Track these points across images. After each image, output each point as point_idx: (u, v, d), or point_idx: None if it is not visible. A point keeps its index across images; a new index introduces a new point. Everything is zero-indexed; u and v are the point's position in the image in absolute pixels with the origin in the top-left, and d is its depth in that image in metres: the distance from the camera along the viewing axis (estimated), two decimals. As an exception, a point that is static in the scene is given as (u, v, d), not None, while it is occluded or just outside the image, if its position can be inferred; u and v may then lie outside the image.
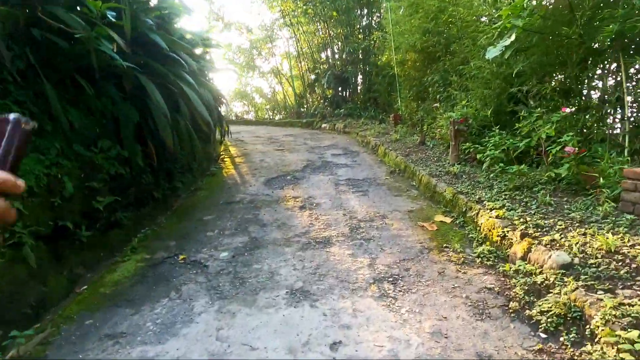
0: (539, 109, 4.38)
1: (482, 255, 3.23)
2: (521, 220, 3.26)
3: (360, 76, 13.95)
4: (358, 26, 13.47)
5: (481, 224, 3.56)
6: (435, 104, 6.75)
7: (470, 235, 3.69)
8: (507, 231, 3.18)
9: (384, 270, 3.14)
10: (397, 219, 4.27)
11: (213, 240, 3.89)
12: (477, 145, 5.06)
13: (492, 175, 4.58)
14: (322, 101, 14.72)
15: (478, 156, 4.84)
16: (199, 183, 5.99)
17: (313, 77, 14.89)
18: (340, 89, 14.13)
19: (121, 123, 4.09)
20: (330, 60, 14.82)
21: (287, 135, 11.50)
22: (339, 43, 14.05)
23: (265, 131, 12.76)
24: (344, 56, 13.70)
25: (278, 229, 4.13)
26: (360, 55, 13.31)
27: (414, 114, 8.51)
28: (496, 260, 3.16)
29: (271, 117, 18.91)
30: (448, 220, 4.13)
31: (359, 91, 14.02)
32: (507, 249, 3.15)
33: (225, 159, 7.96)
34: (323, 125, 12.76)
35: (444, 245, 3.58)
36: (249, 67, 18.78)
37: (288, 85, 18.02)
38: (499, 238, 3.24)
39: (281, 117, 17.43)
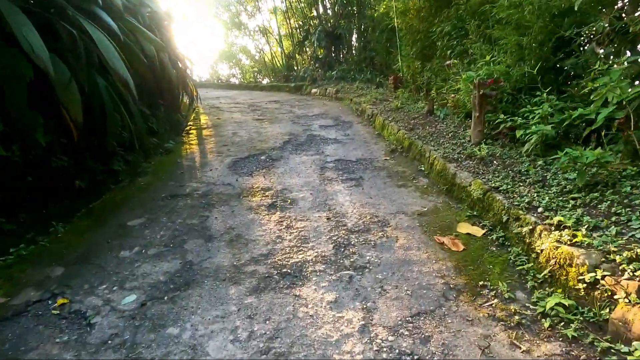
0: (611, 59, 2.92)
1: (552, 315, 1.89)
2: (624, 254, 1.88)
3: (355, 33, 12.16)
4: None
5: (542, 250, 2.19)
6: (448, 62, 5.21)
7: (520, 263, 2.33)
8: (603, 276, 1.81)
9: (386, 346, 1.80)
10: (403, 229, 2.91)
11: (124, 266, 2.52)
12: (512, 117, 3.62)
13: (540, 162, 3.16)
14: (312, 63, 12.98)
15: (517, 133, 3.39)
16: (144, 164, 4.54)
17: (303, 34, 13.04)
18: (332, 48, 12.37)
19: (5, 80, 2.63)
20: (321, 15, 12.94)
21: (271, 102, 9.92)
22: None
23: (249, 97, 11.14)
24: (336, 9, 11.85)
25: (229, 246, 2.76)
26: (354, 8, 11.49)
27: (417, 75, 6.95)
28: (584, 328, 1.81)
29: (259, 80, 17.12)
30: (478, 232, 2.76)
31: (353, 51, 12.28)
32: (603, 308, 1.79)
33: (191, 131, 6.46)
34: (313, 90, 11.14)
35: (480, 282, 2.22)
36: (234, 24, 16.77)
37: (277, 46, 16.14)
38: (586, 285, 1.88)
39: (269, 81, 15.68)
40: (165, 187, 3.90)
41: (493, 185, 2.96)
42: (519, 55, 3.91)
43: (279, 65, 15.52)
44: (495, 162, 3.41)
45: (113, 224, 3.12)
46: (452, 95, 5.10)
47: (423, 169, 4.16)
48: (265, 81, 16.78)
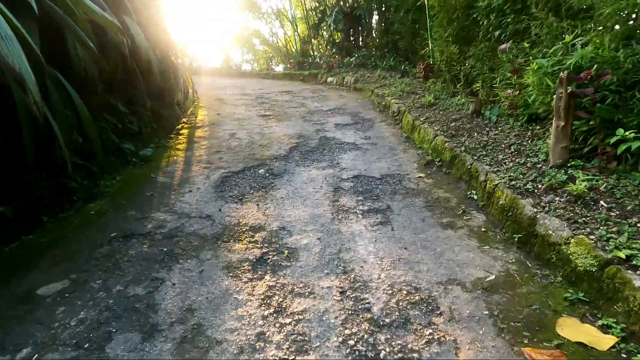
0: None
1: None
2: None
3: (375, 14, 10.76)
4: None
5: None
6: (503, 46, 3.91)
7: None
8: None
9: None
10: (463, 321, 1.75)
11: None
12: (618, 127, 2.37)
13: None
14: (329, 48, 11.67)
15: (620, 148, 2.15)
16: (106, 181, 3.46)
17: (319, 17, 11.72)
18: (351, 31, 11.02)
19: None
20: (339, -5, 11.56)
21: (282, 93, 8.74)
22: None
23: (258, 86, 9.97)
24: (355, -12, 10.46)
25: (177, 351, 1.67)
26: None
27: (454, 63, 5.64)
28: None
29: (271, 67, 15.89)
30: (601, 341, 1.59)
31: (374, 34, 10.90)
32: None
33: (182, 130, 5.37)
34: (329, 79, 9.89)
35: None
36: (247, 5, 15.49)
37: (291, 29, 14.84)
38: None
39: (282, 68, 14.45)
40: (120, 221, 2.82)
41: (617, 253, 1.76)
42: (628, 32, 2.63)
43: (293, 50, 14.24)
44: (602, 202, 2.18)
45: (15, 291, 2.06)
46: (509, 91, 3.82)
47: (475, 196, 2.97)
48: (279, 68, 15.55)
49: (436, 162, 3.72)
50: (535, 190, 2.48)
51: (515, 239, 2.33)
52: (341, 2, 11.01)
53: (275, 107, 7.03)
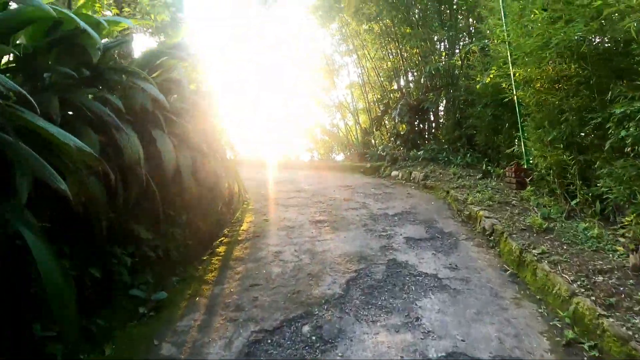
0: None
1: None
2: None
3: (442, 106, 9.95)
4: (438, 41, 9.60)
5: None
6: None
7: None
8: None
9: None
10: None
11: None
12: None
13: None
14: (392, 140, 10.91)
15: None
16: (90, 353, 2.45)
17: (382, 108, 11.19)
18: (417, 122, 10.23)
19: None
20: (403, 87, 11.07)
21: (341, 188, 7.82)
22: (415, 65, 10.29)
23: (316, 180, 9.22)
24: (422, 80, 9.86)
25: None
26: (444, 79, 9.38)
27: (567, 174, 4.32)
28: None
29: (332, 157, 15.48)
30: None
31: (442, 126, 9.98)
32: None
33: (219, 248, 4.42)
34: (393, 173, 8.89)
35: None
36: (315, 101, 15.77)
37: (353, 120, 14.57)
38: None
39: (343, 157, 13.90)
40: None
41: None
42: None
43: (354, 140, 13.74)
44: None
45: None
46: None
47: None
48: (339, 157, 15.08)
49: (585, 348, 2.27)
50: None
51: None
52: (406, 96, 10.44)
53: (332, 208, 6.03)
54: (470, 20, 8.41)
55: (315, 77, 14.90)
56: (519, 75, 5.03)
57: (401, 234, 4.61)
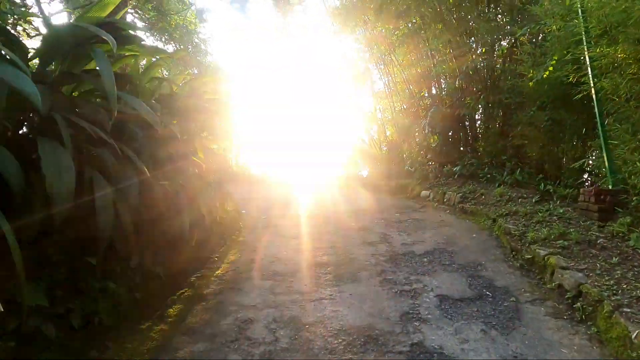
0: None
1: None
2: None
3: (483, 114, 8.32)
4: (476, 35, 8.02)
5: None
6: None
7: None
8: None
9: None
10: None
11: None
12: None
13: None
14: (422, 153, 9.35)
15: None
16: None
17: (411, 117, 9.69)
18: (451, 133, 8.64)
19: None
20: (435, 92, 9.54)
21: (360, 213, 6.38)
22: (448, 68, 8.75)
23: (332, 201, 7.84)
24: (456, 84, 8.31)
25: None
26: (483, 81, 7.80)
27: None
28: None
29: (359, 173, 14.01)
30: None
31: (482, 137, 8.34)
32: None
33: (173, 309, 3.11)
34: (423, 193, 7.35)
35: None
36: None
37: (380, 132, 13.14)
38: None
39: (368, 172, 12.43)
40: None
41: None
42: None
43: (379, 154, 12.26)
44: None
45: None
46: None
47: None
48: (364, 172, 13.61)
49: None
50: None
51: None
52: (438, 102, 8.90)
53: (342, 242, 4.61)
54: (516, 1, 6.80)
55: (339, 86, 13.67)
56: (602, 58, 3.47)
57: (432, 289, 3.13)
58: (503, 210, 4.96)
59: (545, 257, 3.09)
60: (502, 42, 7.30)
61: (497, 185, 6.21)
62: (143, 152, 2.87)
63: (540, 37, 6.15)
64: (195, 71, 12.22)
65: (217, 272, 3.69)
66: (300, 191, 9.33)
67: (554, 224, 3.84)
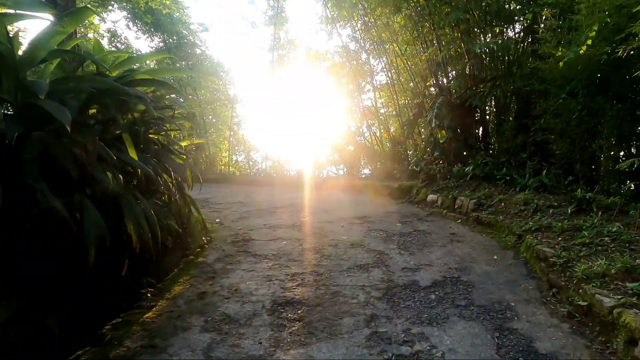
0: None
1: None
2: None
3: (497, 105, 7.21)
4: (490, 13, 6.86)
5: None
6: None
7: None
8: None
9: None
10: None
11: None
12: None
13: None
14: (428, 150, 8.24)
15: None
16: None
17: (414, 110, 8.58)
18: (460, 127, 7.53)
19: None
20: (443, 84, 8.42)
21: (354, 221, 5.35)
22: (456, 53, 7.61)
23: (325, 206, 6.79)
24: (467, 70, 7.19)
25: None
26: (498, 66, 6.68)
27: None
28: None
29: (360, 172, 12.90)
30: None
31: (497, 131, 7.22)
32: None
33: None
34: (430, 197, 6.28)
35: None
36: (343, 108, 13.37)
37: (382, 128, 12.07)
38: None
39: (369, 171, 11.37)
40: None
41: None
42: None
43: (381, 150, 11.17)
44: None
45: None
46: None
47: None
48: (366, 171, 12.55)
49: None
50: None
51: None
52: (447, 93, 7.79)
53: (326, 264, 3.58)
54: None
55: (338, 80, 12.59)
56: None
57: (444, 355, 2.09)
58: (530, 223, 3.89)
59: (615, 312, 2.03)
60: (520, 17, 6.15)
61: (517, 189, 5.13)
62: None
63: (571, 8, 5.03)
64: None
65: (145, 316, 2.68)
66: (292, 193, 8.29)
67: (610, 249, 2.77)
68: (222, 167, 12.97)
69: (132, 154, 2.83)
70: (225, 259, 3.86)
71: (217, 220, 5.49)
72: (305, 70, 13.49)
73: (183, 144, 5.33)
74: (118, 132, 3.06)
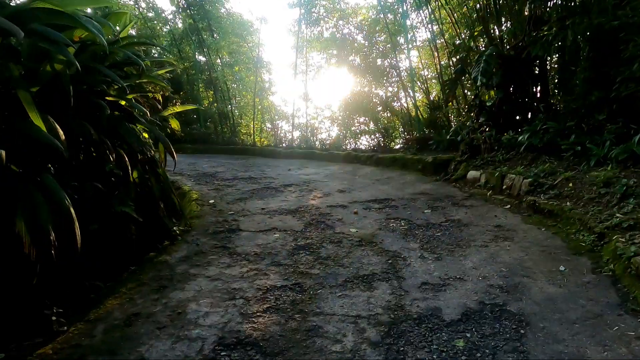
0: None
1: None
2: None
3: (561, 56, 5.55)
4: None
5: None
6: None
7: None
8: None
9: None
10: None
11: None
12: None
13: None
14: (472, 115, 6.77)
15: None
16: None
17: (457, 67, 7.05)
18: (513, 85, 5.96)
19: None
20: (494, 34, 6.75)
21: (372, 205, 4.28)
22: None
23: (342, 184, 5.71)
24: (525, 11, 5.56)
25: None
26: (566, 3, 5.02)
27: None
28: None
29: (389, 143, 11.50)
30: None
31: (563, 87, 5.61)
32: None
33: None
34: (471, 174, 4.99)
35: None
36: (366, 66, 11.90)
37: (422, 92, 10.55)
38: None
39: (402, 144, 9.98)
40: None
41: None
42: None
43: (419, 118, 9.71)
44: None
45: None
46: None
47: None
48: (400, 141, 11.16)
49: None
50: None
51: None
52: (498, 44, 6.19)
53: (316, 273, 2.61)
54: None
55: (373, 38, 11.12)
56: None
57: None
58: (619, 215, 2.61)
59: None
60: None
61: (593, 163, 3.75)
62: None
63: None
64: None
65: (37, 352, 1.88)
66: (313, 167, 7.28)
67: None
68: (245, 137, 12.20)
69: (37, 120, 2.03)
70: (194, 259, 3.00)
71: (211, 201, 4.66)
72: (337, 28, 12.03)
73: (177, 109, 4.55)
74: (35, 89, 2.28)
